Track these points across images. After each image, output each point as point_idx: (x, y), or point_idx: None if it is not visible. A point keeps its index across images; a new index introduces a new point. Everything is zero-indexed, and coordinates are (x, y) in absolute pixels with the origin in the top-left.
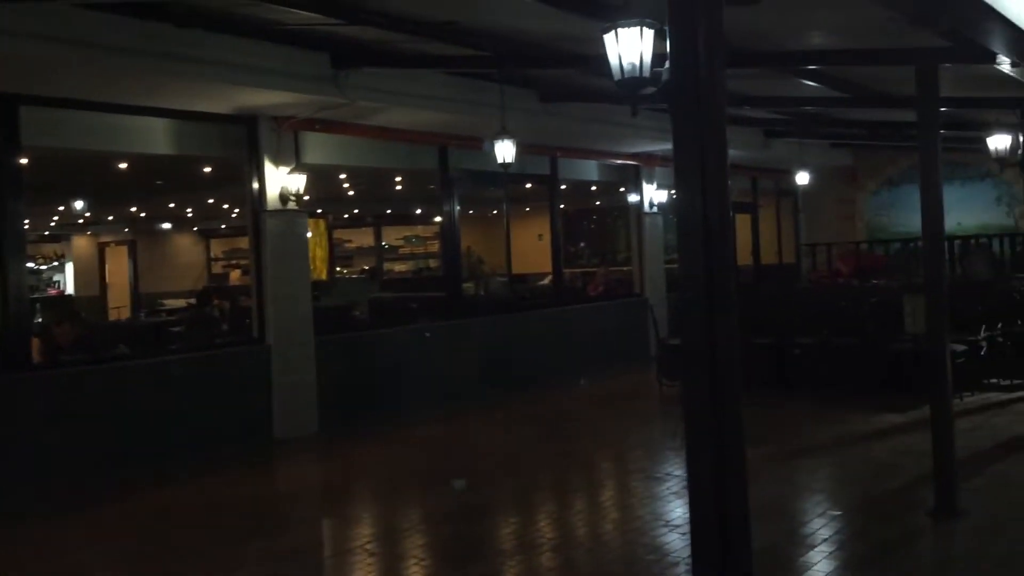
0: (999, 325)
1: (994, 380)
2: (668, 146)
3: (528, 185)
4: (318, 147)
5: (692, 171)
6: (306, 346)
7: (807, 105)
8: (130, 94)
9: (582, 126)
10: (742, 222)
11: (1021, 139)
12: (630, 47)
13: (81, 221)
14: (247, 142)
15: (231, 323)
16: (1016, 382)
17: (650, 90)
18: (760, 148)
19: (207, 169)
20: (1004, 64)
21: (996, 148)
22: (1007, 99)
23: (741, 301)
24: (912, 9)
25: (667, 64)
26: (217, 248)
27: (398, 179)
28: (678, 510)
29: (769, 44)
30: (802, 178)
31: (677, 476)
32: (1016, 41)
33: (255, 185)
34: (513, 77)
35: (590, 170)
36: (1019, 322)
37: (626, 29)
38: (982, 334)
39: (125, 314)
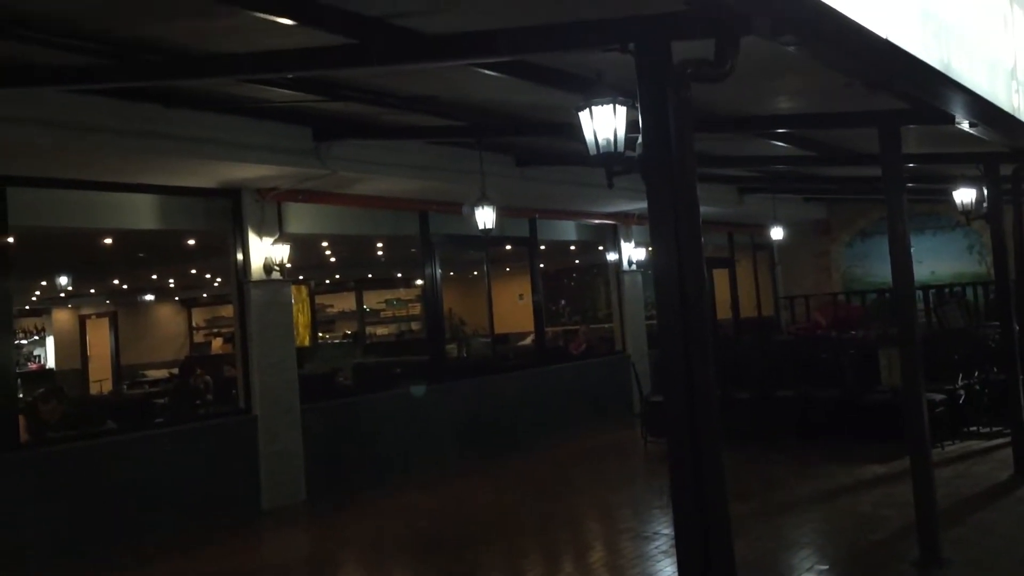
0: (976, 373)
1: (974, 428)
2: (644, 205)
3: (508, 247)
4: (301, 217)
5: (667, 240)
6: (292, 414)
7: (778, 164)
8: (116, 172)
9: (559, 188)
10: (720, 277)
11: (986, 192)
12: (604, 124)
13: (63, 295)
14: (231, 214)
15: (216, 393)
16: (995, 429)
17: (629, 154)
18: (734, 204)
19: (191, 241)
20: (963, 124)
21: (962, 202)
22: (970, 154)
23: (721, 355)
24: (868, 76)
25: (640, 138)
26: (199, 317)
27: (379, 244)
28: (668, 569)
29: (737, 109)
30: (777, 233)
31: (665, 535)
32: (972, 105)
33: (239, 256)
34: (491, 144)
35: (568, 230)
36: (995, 370)
37: (600, 107)
38: (960, 383)
39: (107, 387)
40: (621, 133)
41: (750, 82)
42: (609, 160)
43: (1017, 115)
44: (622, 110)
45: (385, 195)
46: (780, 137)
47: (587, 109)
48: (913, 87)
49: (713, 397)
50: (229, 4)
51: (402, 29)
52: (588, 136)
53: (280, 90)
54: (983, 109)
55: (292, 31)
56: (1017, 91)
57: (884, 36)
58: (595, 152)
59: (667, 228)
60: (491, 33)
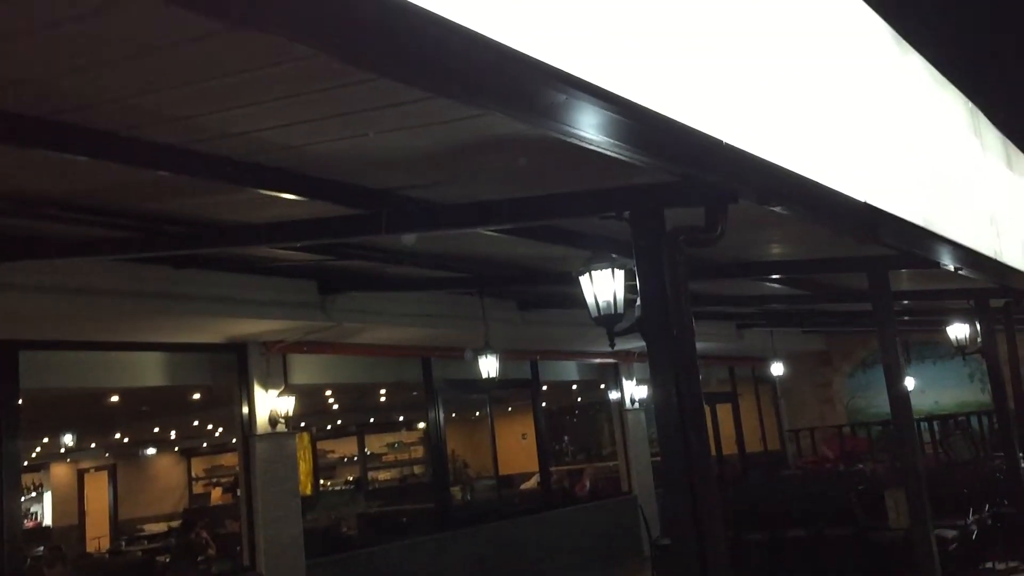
0: (987, 507)
1: (989, 564)
2: (643, 343)
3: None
4: (305, 367)
5: (670, 400)
6: (297, 571)
7: (773, 302)
8: (126, 333)
9: (560, 330)
10: (723, 411)
11: (979, 327)
12: (604, 287)
13: (63, 450)
14: (237, 368)
15: (218, 548)
16: (1011, 565)
17: (631, 297)
18: (733, 339)
19: (196, 395)
20: (949, 267)
21: (956, 337)
22: (961, 290)
23: (729, 493)
24: (853, 233)
25: (638, 301)
26: (198, 466)
27: (382, 390)
28: None
29: (731, 256)
30: (777, 368)
31: None
32: (955, 252)
33: (245, 409)
34: (493, 290)
35: (570, 370)
36: (1005, 503)
37: (599, 271)
38: (971, 517)
39: (104, 543)
40: (620, 295)
41: (743, 232)
42: (610, 321)
43: (999, 258)
44: (620, 273)
45: (388, 343)
46: (775, 279)
47: (587, 273)
48: (897, 240)
49: (722, 544)
50: (242, 185)
51: (410, 199)
52: (589, 299)
53: (287, 251)
54: (966, 255)
55: (303, 202)
56: (998, 235)
57: (863, 200)
58: (596, 314)
59: (669, 388)
60: (496, 203)
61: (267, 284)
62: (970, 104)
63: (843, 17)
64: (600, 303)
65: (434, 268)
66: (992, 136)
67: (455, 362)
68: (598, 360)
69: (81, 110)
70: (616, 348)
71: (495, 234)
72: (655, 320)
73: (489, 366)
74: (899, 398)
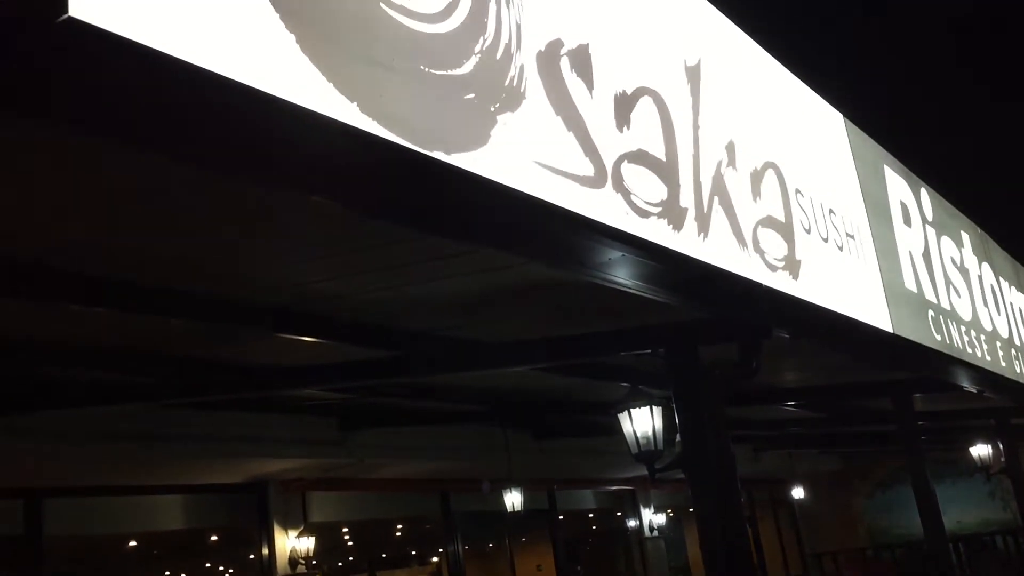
0: None
1: None
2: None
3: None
4: (323, 505)
5: (713, 533)
6: None
7: (792, 426)
8: (147, 476)
9: (577, 459)
10: None
11: (1001, 447)
12: (643, 424)
13: None
14: (256, 508)
15: None
16: None
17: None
18: (750, 462)
19: (212, 537)
20: (971, 389)
21: (980, 456)
22: (982, 409)
23: None
24: (881, 360)
25: (678, 436)
26: None
27: (398, 525)
28: None
29: (753, 383)
30: (797, 492)
31: None
32: (976, 375)
33: (264, 550)
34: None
35: (586, 498)
36: None
37: (638, 410)
38: None
39: None
40: (660, 430)
41: (768, 359)
42: (650, 457)
43: (1020, 380)
44: (658, 410)
45: (407, 477)
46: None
47: (626, 411)
48: (921, 366)
49: None
50: (278, 332)
51: (444, 339)
52: (628, 435)
53: (310, 390)
54: (987, 378)
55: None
56: (1017, 358)
57: (892, 331)
58: (636, 451)
59: (713, 519)
60: (534, 343)
61: (288, 422)
62: (979, 231)
63: (863, 156)
64: (640, 440)
65: (456, 402)
66: (1001, 259)
67: (473, 494)
68: (615, 487)
69: (138, 269)
70: (633, 475)
71: (521, 369)
72: (695, 455)
73: (513, 499)
74: (933, 523)
